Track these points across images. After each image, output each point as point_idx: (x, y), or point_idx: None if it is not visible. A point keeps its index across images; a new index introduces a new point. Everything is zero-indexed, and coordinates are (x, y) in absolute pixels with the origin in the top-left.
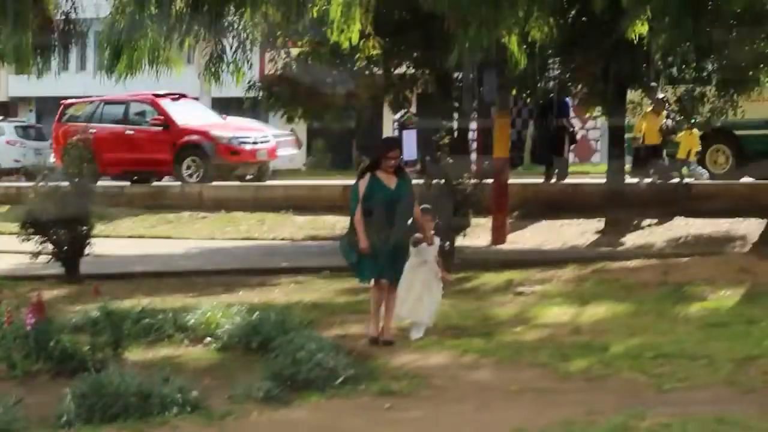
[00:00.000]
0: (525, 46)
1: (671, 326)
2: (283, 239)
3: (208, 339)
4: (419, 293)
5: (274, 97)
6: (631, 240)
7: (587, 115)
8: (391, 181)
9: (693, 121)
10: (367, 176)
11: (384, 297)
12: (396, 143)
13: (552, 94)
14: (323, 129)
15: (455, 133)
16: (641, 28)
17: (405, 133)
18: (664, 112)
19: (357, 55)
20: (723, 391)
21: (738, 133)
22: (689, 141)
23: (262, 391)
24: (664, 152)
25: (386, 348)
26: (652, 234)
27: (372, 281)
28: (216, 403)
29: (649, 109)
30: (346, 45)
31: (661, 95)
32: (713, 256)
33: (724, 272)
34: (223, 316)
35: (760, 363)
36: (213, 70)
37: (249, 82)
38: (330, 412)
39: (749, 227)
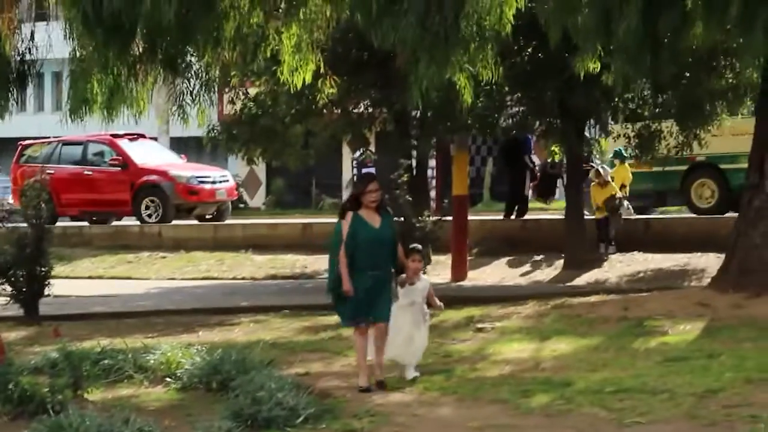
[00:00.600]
0: (481, 83)
1: (632, 361)
2: (242, 278)
3: (168, 379)
4: (409, 334)
5: (233, 137)
6: (590, 276)
7: (546, 152)
8: (374, 220)
9: (628, 154)
10: (350, 215)
11: (366, 342)
12: (374, 177)
13: (513, 132)
14: (282, 168)
15: (414, 171)
16: (593, 65)
17: (363, 171)
18: (611, 184)
19: (314, 95)
20: (684, 425)
21: (723, 167)
22: (622, 174)
23: (224, 431)
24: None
25: (349, 388)
26: (612, 269)
27: (353, 326)
28: None
29: (594, 181)
30: (299, 85)
31: (600, 168)
32: (672, 290)
33: (684, 306)
34: (183, 356)
35: (720, 397)
36: (175, 109)
37: (208, 123)
38: None
39: (708, 261)
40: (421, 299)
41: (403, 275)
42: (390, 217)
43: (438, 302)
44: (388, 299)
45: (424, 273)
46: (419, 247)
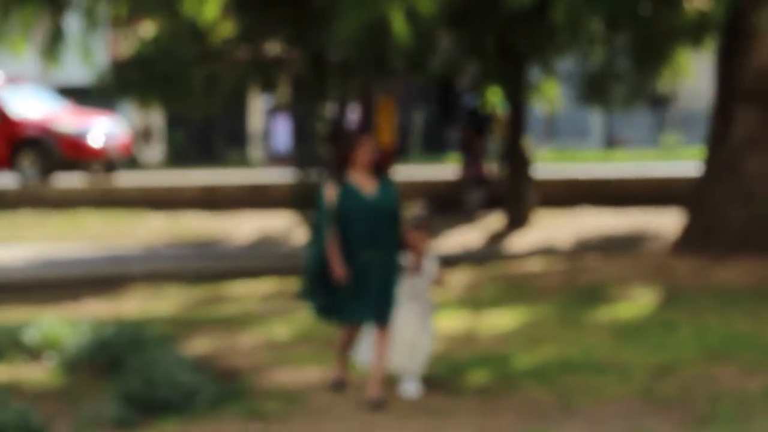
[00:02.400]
0: (411, 22)
1: (580, 334)
2: (137, 243)
3: (51, 358)
4: (412, 337)
5: (126, 83)
6: (533, 237)
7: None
8: (369, 185)
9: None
10: (332, 186)
11: (351, 337)
12: (367, 133)
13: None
14: (183, 118)
15: (335, 121)
16: None
17: (277, 121)
18: None
19: (218, 33)
20: (637, 405)
21: None
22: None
23: (113, 415)
24: None
25: (254, 366)
26: (559, 230)
27: (343, 326)
28: (61, 430)
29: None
30: (203, 21)
31: None
32: (627, 254)
33: (639, 272)
34: (68, 332)
35: (678, 373)
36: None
37: (98, 66)
38: None
39: (667, 221)
40: (427, 287)
41: (410, 257)
42: (391, 184)
43: (445, 278)
44: (394, 292)
45: None
46: (423, 215)
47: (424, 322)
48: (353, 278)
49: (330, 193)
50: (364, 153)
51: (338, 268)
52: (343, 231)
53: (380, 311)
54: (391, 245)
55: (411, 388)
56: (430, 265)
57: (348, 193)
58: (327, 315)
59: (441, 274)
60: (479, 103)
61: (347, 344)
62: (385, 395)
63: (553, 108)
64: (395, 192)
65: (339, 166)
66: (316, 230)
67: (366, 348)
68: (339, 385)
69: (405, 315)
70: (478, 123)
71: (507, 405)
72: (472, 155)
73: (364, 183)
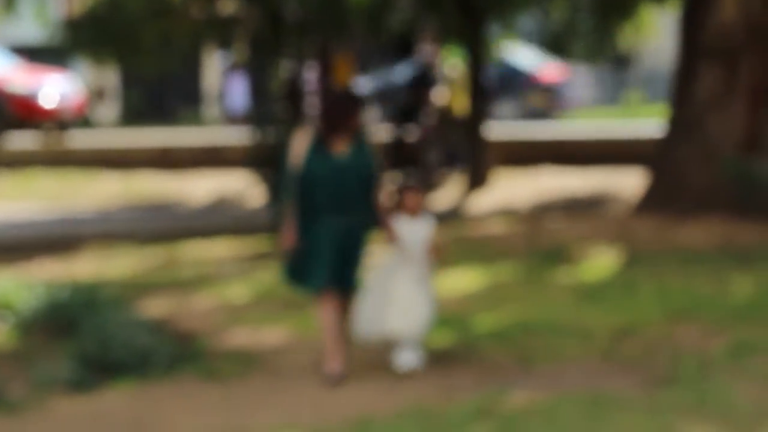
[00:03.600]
0: None
1: (541, 296)
2: (91, 203)
3: (3, 320)
4: (406, 300)
5: (80, 40)
6: (493, 197)
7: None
8: (341, 146)
9: None
10: (303, 136)
11: (335, 314)
12: (360, 102)
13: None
14: (137, 77)
15: (292, 80)
16: None
17: (233, 80)
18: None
19: None
20: (599, 366)
21: None
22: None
23: (67, 377)
24: None
25: (211, 327)
26: (519, 189)
27: (317, 293)
28: (14, 392)
29: None
30: None
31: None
32: (588, 214)
33: (601, 233)
34: (19, 295)
35: (639, 334)
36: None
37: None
38: (145, 399)
39: (626, 182)
40: (421, 248)
41: (392, 225)
42: (364, 143)
43: (441, 251)
44: (359, 259)
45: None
46: (412, 180)
47: (421, 287)
48: (316, 243)
49: (297, 148)
50: (355, 123)
51: (287, 233)
52: (308, 193)
53: (341, 277)
54: (361, 210)
55: (409, 358)
56: (424, 228)
57: (316, 154)
58: (291, 280)
59: (438, 242)
60: (431, 61)
61: (333, 324)
62: (344, 369)
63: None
64: (370, 155)
65: (328, 131)
66: (280, 190)
67: (364, 318)
68: (340, 379)
69: (399, 280)
70: (430, 82)
71: (467, 366)
72: (425, 115)
73: (338, 144)
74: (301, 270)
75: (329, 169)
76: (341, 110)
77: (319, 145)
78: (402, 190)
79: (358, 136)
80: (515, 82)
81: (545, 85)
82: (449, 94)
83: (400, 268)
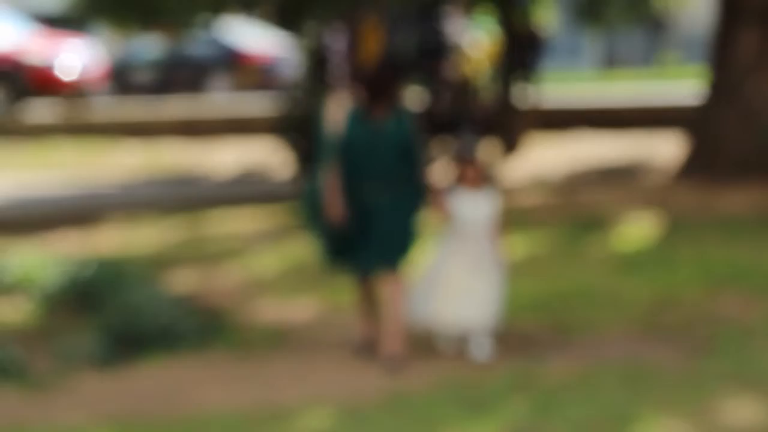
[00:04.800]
0: None
1: (579, 266)
2: (114, 175)
3: (26, 296)
4: (462, 286)
5: (99, 7)
6: (529, 165)
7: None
8: (381, 115)
9: None
10: (340, 104)
11: (370, 291)
12: (400, 71)
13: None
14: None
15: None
16: None
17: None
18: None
19: None
20: (637, 335)
21: None
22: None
23: (95, 353)
24: None
25: (239, 301)
26: (555, 156)
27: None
28: (41, 368)
29: None
30: None
31: None
32: (625, 182)
33: (639, 202)
34: (45, 269)
35: (678, 304)
36: None
37: None
38: (173, 375)
39: (665, 147)
40: (484, 226)
41: (443, 199)
42: (403, 112)
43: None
44: (407, 236)
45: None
46: (471, 150)
47: (483, 271)
48: (358, 220)
49: (334, 116)
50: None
51: (334, 208)
52: (347, 165)
53: (387, 256)
54: (404, 183)
55: (478, 348)
56: (487, 203)
57: (354, 122)
58: (333, 261)
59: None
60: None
61: (365, 296)
62: (406, 353)
63: (548, 31)
64: (411, 123)
65: (368, 97)
66: (315, 162)
67: (420, 302)
68: (364, 347)
69: (454, 264)
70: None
71: (504, 337)
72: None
73: (376, 113)
74: (345, 249)
75: (372, 137)
76: (384, 79)
77: (361, 114)
78: (460, 161)
79: (397, 105)
80: (228, 58)
81: (257, 64)
82: (468, 62)
83: (456, 251)
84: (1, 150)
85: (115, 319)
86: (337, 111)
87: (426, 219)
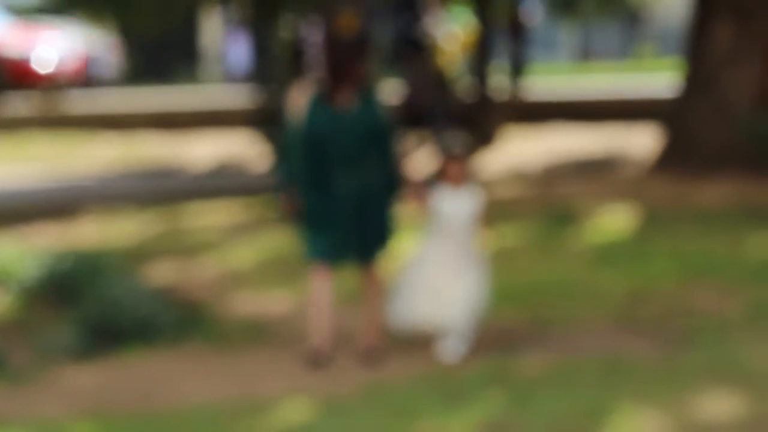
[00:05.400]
0: None
1: (554, 258)
2: (90, 168)
3: (4, 289)
4: (437, 286)
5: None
6: (503, 158)
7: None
8: (345, 99)
9: None
10: (299, 93)
11: (326, 284)
12: (365, 49)
13: None
14: (136, 36)
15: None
16: None
17: (234, 38)
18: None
19: None
20: (612, 327)
21: None
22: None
23: (72, 345)
24: None
25: (217, 293)
26: (529, 149)
27: (317, 263)
28: (18, 361)
29: None
30: None
31: None
32: (600, 175)
33: (614, 194)
34: (18, 263)
35: (654, 296)
36: None
37: None
38: (151, 367)
39: (640, 140)
40: (465, 224)
41: (419, 189)
42: (373, 96)
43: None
44: (381, 227)
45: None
46: (455, 146)
47: (463, 270)
48: (328, 212)
49: (296, 103)
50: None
51: (289, 198)
52: (313, 153)
53: (359, 249)
54: (376, 171)
55: (446, 348)
56: (469, 200)
57: (318, 108)
58: (310, 254)
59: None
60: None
61: (319, 297)
62: (383, 346)
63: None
64: (381, 108)
65: (328, 82)
66: (284, 151)
67: (398, 299)
68: (316, 359)
69: (433, 262)
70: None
71: (480, 330)
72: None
73: (342, 99)
74: (311, 238)
75: (334, 124)
76: (344, 58)
77: (321, 99)
78: (445, 157)
79: (365, 87)
80: None
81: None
82: (443, 54)
83: (436, 248)
84: None
85: (93, 311)
86: (299, 99)
87: (402, 211)
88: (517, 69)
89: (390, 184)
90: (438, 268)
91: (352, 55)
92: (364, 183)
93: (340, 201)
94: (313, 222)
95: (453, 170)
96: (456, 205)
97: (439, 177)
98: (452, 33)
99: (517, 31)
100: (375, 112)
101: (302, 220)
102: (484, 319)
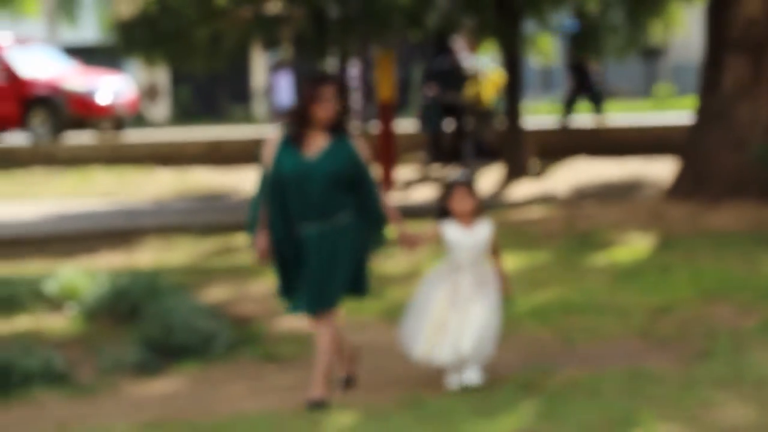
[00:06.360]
0: None
1: (579, 278)
2: (147, 197)
3: (70, 308)
4: (441, 319)
5: (132, 41)
6: (532, 187)
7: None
8: (315, 144)
9: None
10: (273, 139)
11: (329, 328)
12: (331, 78)
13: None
14: (187, 76)
15: (336, 76)
16: None
17: (280, 77)
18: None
19: None
20: (635, 343)
21: None
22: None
23: (133, 361)
24: None
25: (268, 312)
26: (557, 179)
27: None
28: (84, 375)
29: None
30: None
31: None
32: (621, 201)
33: (635, 218)
34: (86, 283)
35: (674, 313)
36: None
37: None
38: (207, 381)
39: (659, 170)
40: (475, 256)
41: (399, 234)
42: (345, 142)
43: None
44: (339, 275)
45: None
46: (461, 177)
47: (471, 302)
48: (294, 257)
49: (267, 152)
50: (325, 104)
51: (259, 243)
52: (279, 198)
53: (313, 297)
54: (340, 217)
55: (462, 379)
56: (479, 232)
57: (284, 153)
58: (284, 298)
59: (504, 277)
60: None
61: (333, 337)
62: (327, 397)
63: (548, 61)
64: (349, 153)
65: (297, 122)
66: (257, 195)
67: (407, 337)
68: (318, 406)
69: (437, 296)
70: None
71: (511, 345)
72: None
73: (313, 141)
74: (288, 287)
75: (296, 170)
76: (304, 99)
77: (287, 144)
78: (450, 188)
79: (339, 130)
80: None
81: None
82: (478, 88)
83: (446, 280)
84: (43, 174)
85: (152, 328)
86: (271, 143)
87: (390, 246)
88: (596, 103)
89: (367, 229)
90: (438, 304)
91: (309, 95)
92: (332, 229)
93: (304, 247)
94: (280, 268)
95: (460, 203)
96: (467, 236)
97: (451, 209)
98: (486, 70)
99: (584, 70)
100: (346, 155)
101: (282, 269)
102: (515, 333)
